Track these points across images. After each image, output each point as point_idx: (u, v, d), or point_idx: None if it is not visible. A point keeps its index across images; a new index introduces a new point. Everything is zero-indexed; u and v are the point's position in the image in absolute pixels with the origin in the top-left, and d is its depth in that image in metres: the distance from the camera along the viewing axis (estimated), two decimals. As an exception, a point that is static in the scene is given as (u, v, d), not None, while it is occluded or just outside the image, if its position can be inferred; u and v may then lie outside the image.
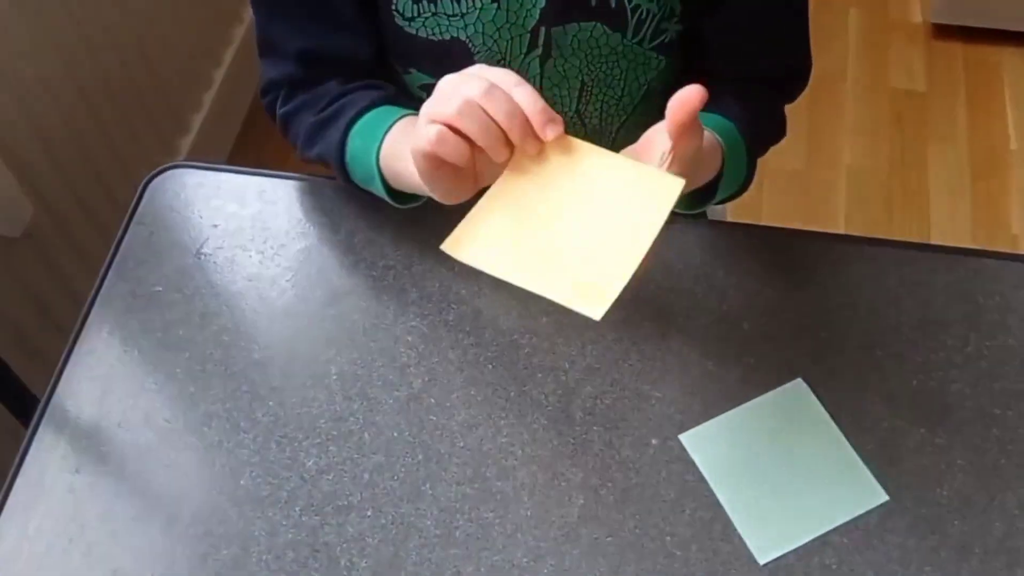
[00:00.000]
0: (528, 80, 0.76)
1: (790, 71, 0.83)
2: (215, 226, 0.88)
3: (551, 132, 0.60)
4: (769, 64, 0.81)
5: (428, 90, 0.79)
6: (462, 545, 0.72)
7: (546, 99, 0.77)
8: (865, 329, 0.81)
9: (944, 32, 2.11)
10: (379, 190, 0.75)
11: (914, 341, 0.81)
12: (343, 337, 0.82)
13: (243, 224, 0.88)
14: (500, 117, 0.59)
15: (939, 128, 2.00)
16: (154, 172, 0.91)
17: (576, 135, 0.80)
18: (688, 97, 0.57)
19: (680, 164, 0.61)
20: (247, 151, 1.80)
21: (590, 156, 0.63)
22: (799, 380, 0.79)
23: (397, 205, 0.77)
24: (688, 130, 0.59)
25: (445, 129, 0.59)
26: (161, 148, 1.53)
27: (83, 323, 0.83)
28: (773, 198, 1.84)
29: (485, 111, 0.58)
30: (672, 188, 0.60)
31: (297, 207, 0.88)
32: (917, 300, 0.83)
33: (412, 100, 0.80)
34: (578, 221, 0.63)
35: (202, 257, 0.87)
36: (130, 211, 0.89)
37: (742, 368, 0.80)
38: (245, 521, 0.74)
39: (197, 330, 0.83)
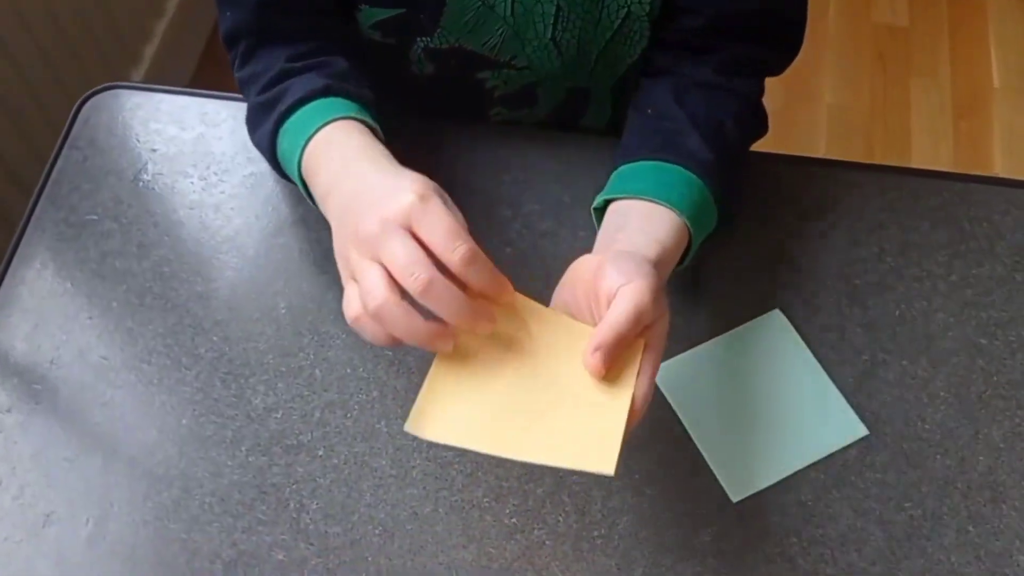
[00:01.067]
0: (497, 8, 0.70)
1: (777, 32, 0.75)
2: (154, 150, 0.83)
3: (504, 299, 0.58)
4: (753, 11, 0.73)
5: (380, 27, 0.73)
6: (419, 485, 0.68)
7: (518, 25, 0.72)
8: (846, 257, 0.77)
9: (928, -35, 2.06)
10: (308, 199, 0.68)
11: (896, 269, 0.77)
12: (292, 268, 0.77)
13: (184, 148, 0.83)
14: (443, 314, 0.55)
15: (922, 65, 1.96)
16: (89, 93, 0.85)
17: (552, 64, 0.76)
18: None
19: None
20: (205, 88, 1.73)
21: (543, 317, 0.60)
22: (776, 311, 0.75)
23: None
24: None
25: (374, 330, 0.56)
26: (109, 79, 1.46)
27: (13, 253, 0.78)
28: (751, 136, 1.80)
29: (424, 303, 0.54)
30: (634, 349, 0.57)
31: (242, 130, 0.81)
32: (900, 226, 0.79)
33: (363, 62, 0.74)
34: (546, 378, 0.58)
35: (140, 183, 0.81)
36: (63, 134, 0.83)
37: (716, 299, 0.76)
38: (187, 462, 0.69)
39: (135, 261, 0.77)
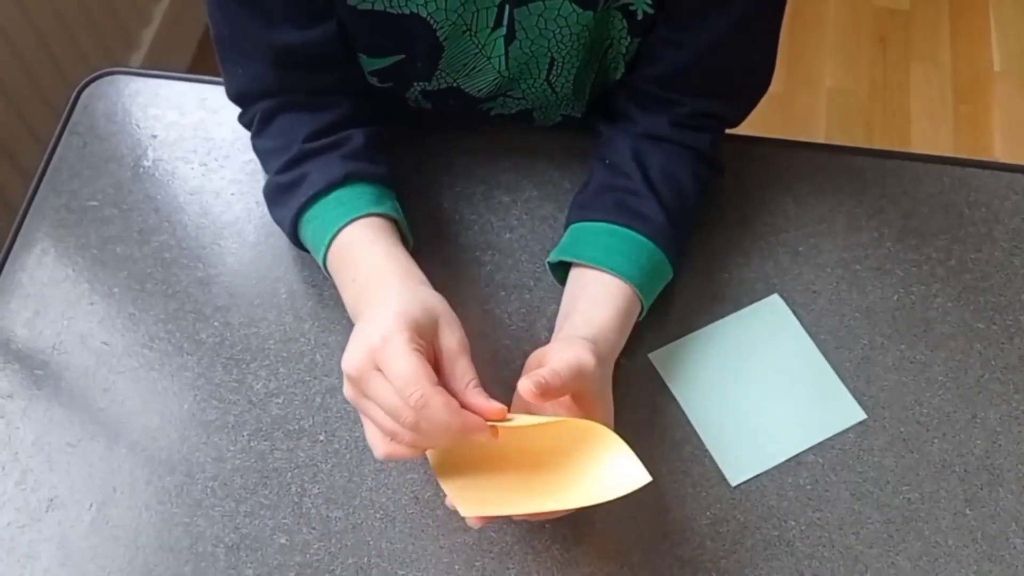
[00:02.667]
0: (493, 60, 0.72)
1: (740, 84, 0.76)
2: (154, 136, 0.83)
3: (491, 421, 0.59)
4: (717, 67, 0.73)
5: (377, 75, 0.74)
6: (420, 469, 0.69)
7: (513, 76, 0.74)
8: (845, 242, 0.78)
9: (929, -52, 2.05)
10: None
11: (896, 254, 0.77)
12: (293, 254, 0.77)
13: (184, 134, 0.83)
14: (435, 439, 0.59)
15: (922, 48, 1.95)
16: (88, 78, 0.85)
17: (548, 99, 0.76)
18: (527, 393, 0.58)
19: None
20: (205, 72, 1.72)
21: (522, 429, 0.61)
22: (775, 295, 0.75)
23: None
24: (565, 388, 0.60)
25: (407, 453, 0.60)
26: (110, 65, 1.45)
27: (13, 239, 0.78)
28: (751, 120, 1.78)
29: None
30: (634, 481, 0.57)
31: (242, 116, 0.82)
32: (899, 211, 0.79)
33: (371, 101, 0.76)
34: (535, 459, 0.61)
35: (141, 169, 0.81)
36: (63, 120, 0.83)
37: (715, 283, 0.76)
38: (190, 447, 0.70)
39: (136, 247, 0.78)
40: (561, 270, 0.73)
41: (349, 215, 0.68)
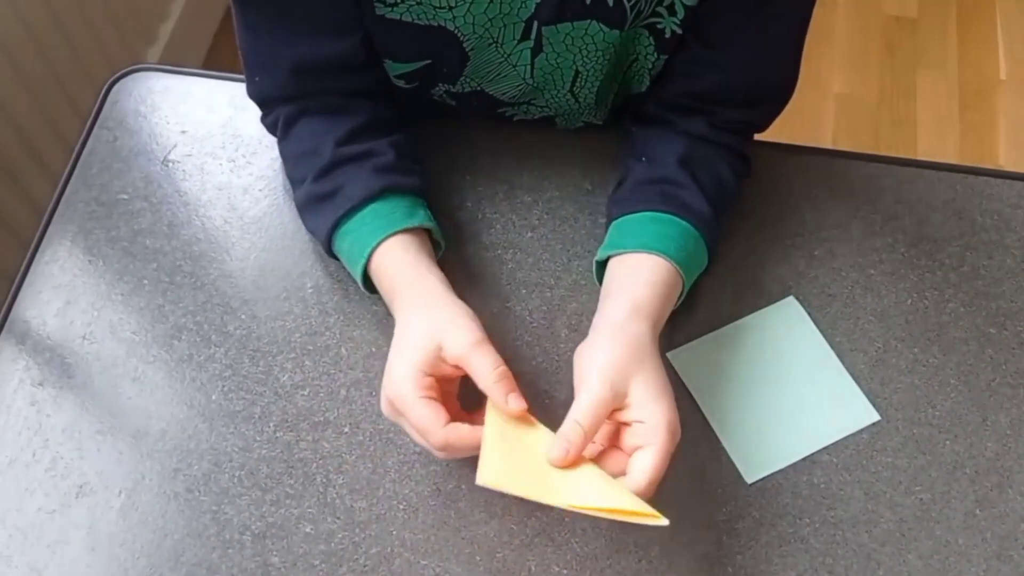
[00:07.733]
0: (518, 68, 0.74)
1: (769, 95, 0.78)
2: (183, 132, 0.84)
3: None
4: (749, 82, 0.75)
5: (403, 77, 0.76)
6: (442, 461, 0.70)
7: (537, 83, 0.76)
8: (860, 247, 0.79)
9: (938, -44, 2.06)
10: (366, 291, 0.74)
11: (909, 259, 0.79)
12: (319, 249, 0.78)
13: (213, 131, 0.84)
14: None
15: (930, 55, 1.97)
16: (118, 74, 0.86)
17: (570, 108, 0.78)
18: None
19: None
20: (219, 66, 1.73)
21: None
22: (791, 298, 0.77)
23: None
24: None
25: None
26: (127, 60, 1.46)
27: (44, 231, 0.79)
28: (760, 125, 1.80)
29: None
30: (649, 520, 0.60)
31: (270, 113, 0.84)
32: (913, 218, 0.81)
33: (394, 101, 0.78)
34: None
35: (170, 164, 0.82)
36: (93, 114, 0.84)
37: (733, 285, 0.77)
38: (217, 436, 0.71)
39: (165, 240, 0.79)
40: (603, 269, 0.73)
41: (383, 232, 0.70)
